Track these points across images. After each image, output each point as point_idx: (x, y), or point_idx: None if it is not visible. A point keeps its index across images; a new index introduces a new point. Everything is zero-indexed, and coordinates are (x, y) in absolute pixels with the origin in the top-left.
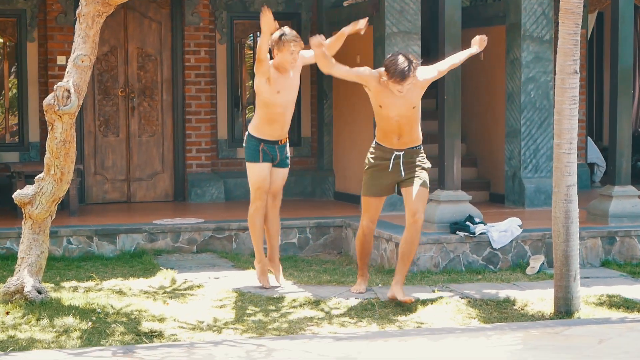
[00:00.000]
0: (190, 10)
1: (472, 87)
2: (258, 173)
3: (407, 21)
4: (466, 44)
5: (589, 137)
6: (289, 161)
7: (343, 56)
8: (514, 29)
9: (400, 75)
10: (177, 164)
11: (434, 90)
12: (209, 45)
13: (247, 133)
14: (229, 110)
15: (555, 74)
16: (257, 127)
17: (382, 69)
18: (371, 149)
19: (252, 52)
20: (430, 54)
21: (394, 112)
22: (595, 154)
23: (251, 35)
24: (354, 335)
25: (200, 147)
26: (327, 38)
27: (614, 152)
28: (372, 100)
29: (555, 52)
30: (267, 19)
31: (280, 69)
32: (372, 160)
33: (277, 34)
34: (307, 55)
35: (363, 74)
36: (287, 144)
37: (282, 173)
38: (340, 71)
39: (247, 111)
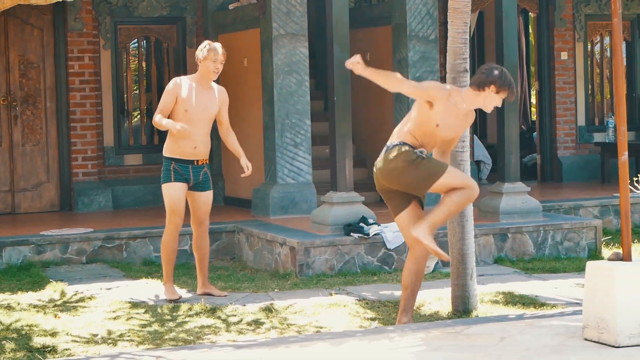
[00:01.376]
0: (73, 16)
1: (360, 88)
2: (171, 193)
3: (294, 23)
4: (353, 45)
5: (474, 135)
6: (210, 184)
7: (229, 60)
8: (400, 29)
9: (512, 84)
10: (62, 173)
11: (322, 91)
12: (93, 51)
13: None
14: (114, 117)
15: (441, 73)
16: (168, 146)
17: (449, 87)
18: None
19: (136, 58)
20: (316, 56)
21: (447, 132)
22: (481, 152)
23: (135, 40)
24: (254, 342)
25: (87, 155)
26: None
27: (502, 150)
28: (426, 117)
29: (441, 52)
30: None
31: (202, 81)
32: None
33: (202, 44)
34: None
35: (434, 91)
36: (206, 166)
37: (203, 197)
38: (409, 88)
39: (133, 117)
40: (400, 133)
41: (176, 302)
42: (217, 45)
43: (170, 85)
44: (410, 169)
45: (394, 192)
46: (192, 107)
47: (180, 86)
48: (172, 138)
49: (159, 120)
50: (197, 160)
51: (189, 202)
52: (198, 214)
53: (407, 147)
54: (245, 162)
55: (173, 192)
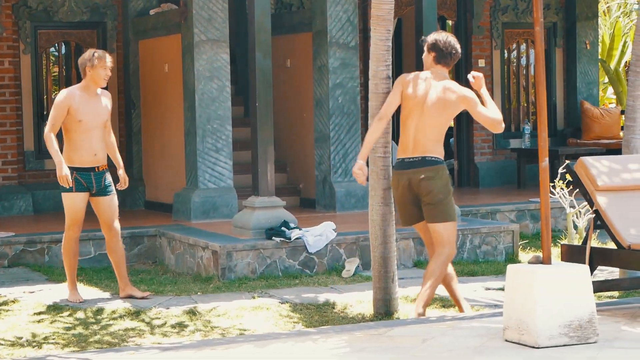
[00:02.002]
0: None
1: (281, 94)
2: (72, 203)
3: (216, 29)
4: (275, 51)
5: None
6: (112, 188)
7: (150, 66)
8: (321, 36)
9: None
10: None
11: (243, 97)
12: (13, 56)
13: None
14: (34, 121)
15: (361, 79)
16: (67, 156)
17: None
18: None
19: (56, 63)
20: (237, 62)
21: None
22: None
23: (56, 44)
24: (179, 345)
25: (7, 160)
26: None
27: None
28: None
29: (361, 58)
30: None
31: (89, 90)
32: None
33: (89, 53)
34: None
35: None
36: (107, 172)
37: (107, 202)
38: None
39: None
40: (437, 147)
41: (81, 304)
42: (104, 53)
43: (60, 98)
44: (446, 197)
45: (415, 203)
46: (86, 116)
47: (71, 97)
48: (71, 147)
49: (51, 144)
50: (98, 167)
51: (94, 209)
52: (104, 219)
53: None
54: (123, 175)
55: (74, 203)
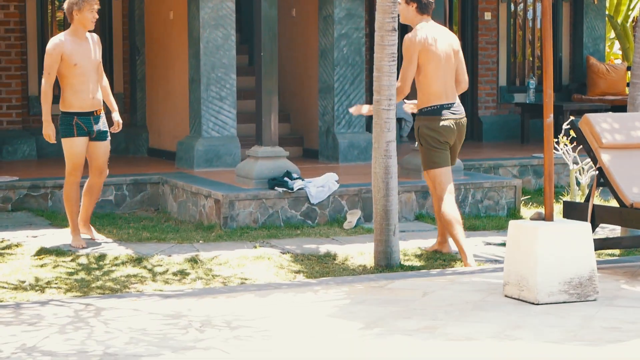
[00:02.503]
0: None
1: (285, 43)
2: (73, 148)
3: None
4: (280, 0)
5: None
6: (108, 133)
7: (155, 13)
8: None
9: None
10: None
11: (247, 46)
12: (19, 0)
13: (60, 113)
14: (39, 66)
15: (366, 30)
16: (66, 101)
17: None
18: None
19: (60, 7)
20: (242, 10)
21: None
22: (402, 110)
23: None
24: (181, 292)
25: (11, 104)
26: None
27: None
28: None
29: (366, 9)
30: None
31: (78, 34)
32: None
33: None
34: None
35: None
36: (103, 115)
37: (104, 147)
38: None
39: None
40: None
41: (84, 249)
42: None
43: (51, 45)
44: None
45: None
46: (80, 60)
47: (62, 44)
48: (69, 91)
49: (45, 99)
50: (96, 111)
51: (88, 153)
52: (99, 163)
53: None
54: (117, 119)
55: (76, 148)
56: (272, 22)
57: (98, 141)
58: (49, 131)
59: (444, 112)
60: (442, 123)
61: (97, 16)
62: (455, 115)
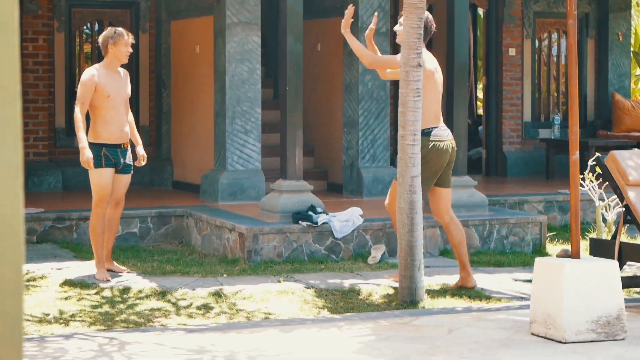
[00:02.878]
0: None
1: (310, 77)
2: (101, 179)
3: (247, 12)
4: (306, 35)
5: None
6: (131, 167)
7: (182, 46)
8: (352, 21)
9: None
10: None
11: (272, 79)
12: (47, 33)
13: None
14: (66, 99)
15: None
16: (95, 132)
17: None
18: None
19: (90, 40)
20: (268, 44)
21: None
22: None
23: (89, 23)
24: (205, 327)
25: (38, 136)
26: (164, 26)
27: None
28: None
29: (391, 45)
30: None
31: (111, 67)
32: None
33: (109, 31)
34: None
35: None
36: (129, 149)
37: (126, 179)
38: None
39: None
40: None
41: (107, 282)
42: (125, 30)
43: (86, 76)
44: None
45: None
46: (113, 92)
47: (97, 75)
48: (100, 123)
49: (79, 127)
50: (123, 144)
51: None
52: (119, 195)
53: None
54: (142, 153)
55: (103, 179)
56: (297, 56)
57: (122, 174)
58: (87, 157)
59: (438, 134)
60: (436, 146)
61: (131, 50)
62: (448, 138)
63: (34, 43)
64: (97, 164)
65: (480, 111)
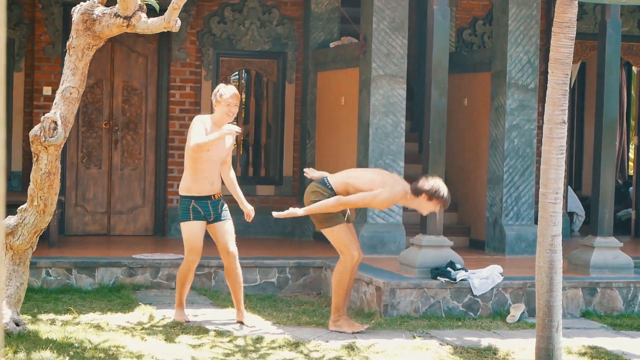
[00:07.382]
0: (177, 46)
1: (455, 132)
2: (189, 232)
3: (394, 64)
4: (451, 89)
5: (569, 186)
6: (226, 214)
7: (327, 97)
8: (500, 76)
9: (443, 198)
10: (158, 198)
11: (418, 133)
12: (195, 81)
13: (179, 196)
14: None
15: (539, 122)
16: (185, 185)
17: (408, 187)
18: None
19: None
20: (414, 98)
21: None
22: (574, 203)
23: (237, 72)
24: None
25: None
26: (311, 77)
27: (596, 203)
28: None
29: (540, 101)
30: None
31: (217, 121)
32: None
33: (218, 87)
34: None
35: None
36: (222, 199)
37: (226, 226)
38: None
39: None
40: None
41: (187, 323)
42: (230, 91)
43: (198, 122)
44: None
45: None
46: (214, 147)
47: (205, 124)
48: (193, 175)
49: (203, 138)
50: (214, 195)
51: (212, 235)
52: (222, 243)
53: None
54: (249, 207)
55: (192, 231)
56: (442, 110)
57: (217, 222)
58: (226, 130)
59: None
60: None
61: (234, 112)
62: None
63: (181, 90)
64: (186, 217)
65: (632, 172)
